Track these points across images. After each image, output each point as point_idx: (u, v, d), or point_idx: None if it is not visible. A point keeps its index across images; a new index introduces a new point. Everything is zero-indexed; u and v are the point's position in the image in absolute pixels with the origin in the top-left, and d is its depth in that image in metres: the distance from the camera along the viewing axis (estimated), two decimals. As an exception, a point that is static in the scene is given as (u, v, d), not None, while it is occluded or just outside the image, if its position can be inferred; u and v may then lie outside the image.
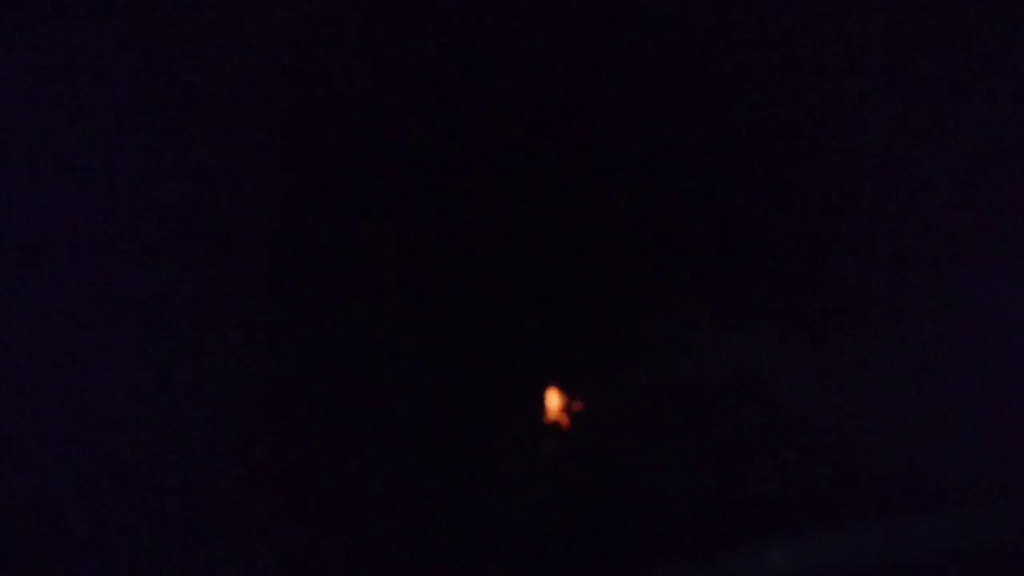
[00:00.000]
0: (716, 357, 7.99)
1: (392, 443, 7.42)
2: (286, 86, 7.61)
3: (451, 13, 7.76)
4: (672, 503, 7.46)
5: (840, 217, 8.09)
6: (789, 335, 8.03)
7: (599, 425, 7.79)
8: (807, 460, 7.66)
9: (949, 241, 8.05)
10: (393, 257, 7.72)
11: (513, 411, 7.66)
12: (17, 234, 7.28)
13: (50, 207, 7.32)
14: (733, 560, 7.26)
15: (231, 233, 7.49)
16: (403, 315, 7.69)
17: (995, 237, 8.03)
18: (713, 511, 7.42)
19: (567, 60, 7.93)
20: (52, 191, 7.33)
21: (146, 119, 7.47)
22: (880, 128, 8.10)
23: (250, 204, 7.53)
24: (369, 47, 7.70)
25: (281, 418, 7.35)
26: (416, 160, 7.78)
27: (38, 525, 6.87)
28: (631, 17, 7.95)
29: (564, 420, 7.81)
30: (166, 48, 7.49)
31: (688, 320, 7.99)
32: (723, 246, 8.05)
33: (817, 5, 8.05)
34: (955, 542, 7.33)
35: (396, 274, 7.72)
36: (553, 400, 7.81)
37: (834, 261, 8.09)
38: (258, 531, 7.03)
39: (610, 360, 7.87)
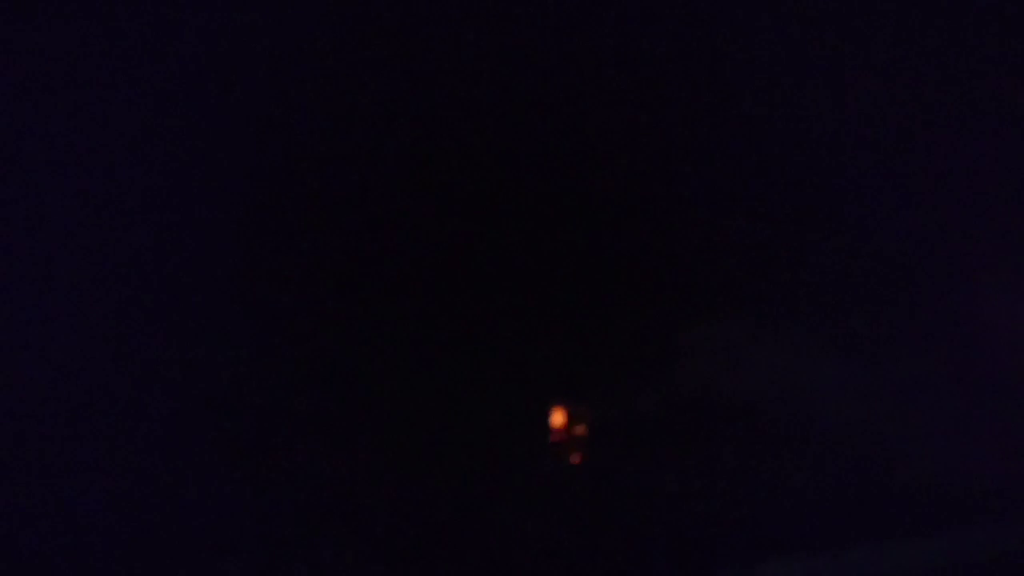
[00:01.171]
0: (720, 369, 7.98)
1: (396, 457, 7.41)
2: (282, 90, 7.62)
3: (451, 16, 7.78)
4: (670, 518, 7.45)
5: (860, 226, 8.08)
6: (796, 349, 8.01)
7: (602, 439, 7.76)
8: (808, 476, 7.64)
9: (975, 255, 8.03)
10: (401, 267, 7.71)
11: (518, 427, 7.66)
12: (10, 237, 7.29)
13: (46, 211, 7.32)
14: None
15: (231, 238, 7.48)
16: (410, 324, 7.68)
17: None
18: (711, 526, 7.41)
19: (584, 65, 7.94)
20: (48, 195, 7.33)
21: (139, 122, 7.48)
22: (911, 138, 8.11)
23: (251, 210, 7.52)
24: (367, 50, 7.71)
25: (286, 428, 7.34)
26: (424, 169, 7.77)
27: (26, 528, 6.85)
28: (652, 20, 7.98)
29: (567, 438, 7.79)
30: (159, 52, 7.49)
31: (698, 332, 7.98)
32: (739, 256, 8.04)
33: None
34: (957, 559, 7.32)
35: (405, 284, 7.71)
36: (558, 418, 7.78)
37: (852, 272, 8.08)
38: (256, 536, 7.02)
39: (619, 373, 7.86)
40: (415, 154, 7.73)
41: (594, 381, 7.86)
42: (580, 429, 7.77)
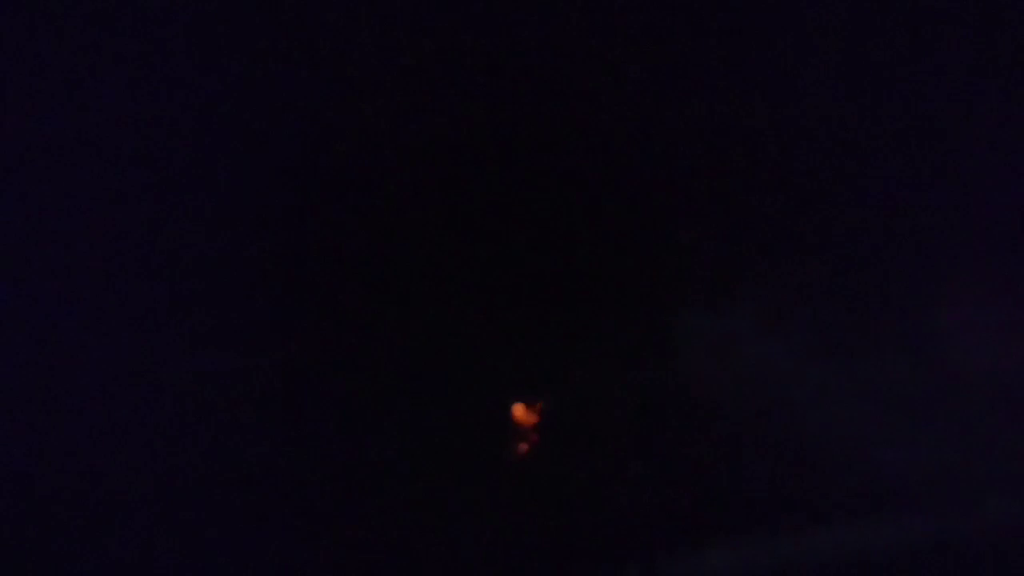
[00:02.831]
0: (682, 359, 7.96)
1: (364, 450, 7.44)
2: (280, 89, 7.60)
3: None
4: (619, 505, 7.49)
5: (845, 223, 8.03)
6: (762, 338, 7.98)
7: (561, 429, 7.74)
8: (754, 464, 7.67)
9: (969, 260, 8.00)
10: (375, 261, 7.68)
11: (486, 420, 7.64)
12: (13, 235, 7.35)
13: (48, 210, 7.36)
14: (676, 562, 7.37)
15: (207, 240, 7.49)
16: (387, 317, 7.67)
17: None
18: (660, 513, 7.47)
19: (559, 53, 7.84)
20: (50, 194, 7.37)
21: (141, 119, 7.48)
22: (913, 139, 8.02)
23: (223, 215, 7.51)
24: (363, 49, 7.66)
25: (253, 423, 7.38)
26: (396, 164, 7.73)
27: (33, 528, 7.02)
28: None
29: (530, 430, 7.80)
30: (163, 50, 7.48)
31: (673, 325, 7.96)
32: (723, 250, 7.99)
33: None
34: (901, 545, 7.43)
35: (380, 276, 7.68)
36: (520, 412, 7.77)
37: (830, 266, 8.05)
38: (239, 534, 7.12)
39: (588, 366, 7.81)
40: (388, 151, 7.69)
41: (566, 374, 7.84)
42: (537, 423, 7.78)
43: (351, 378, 7.57)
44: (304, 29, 7.61)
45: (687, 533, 7.40)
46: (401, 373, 7.60)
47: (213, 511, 7.14)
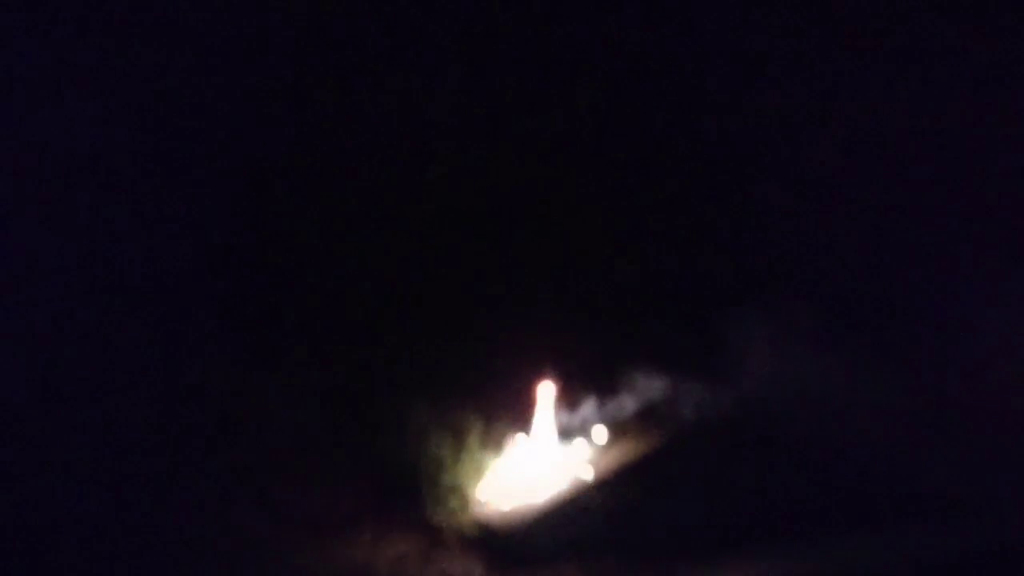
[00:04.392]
0: (712, 368, 8.08)
1: (373, 448, 7.50)
2: (274, 90, 7.63)
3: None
4: (621, 520, 7.63)
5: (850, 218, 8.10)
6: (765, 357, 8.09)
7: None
8: (783, 474, 7.79)
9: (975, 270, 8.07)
10: (386, 261, 7.74)
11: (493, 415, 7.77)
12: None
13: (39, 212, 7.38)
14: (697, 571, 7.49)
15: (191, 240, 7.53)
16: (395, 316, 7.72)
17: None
18: (663, 528, 7.62)
19: (578, 58, 7.93)
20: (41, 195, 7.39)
21: (133, 119, 7.52)
22: (937, 154, 8.10)
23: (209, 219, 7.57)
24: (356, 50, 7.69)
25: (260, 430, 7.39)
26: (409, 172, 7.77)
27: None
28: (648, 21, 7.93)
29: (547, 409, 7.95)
30: (154, 53, 7.53)
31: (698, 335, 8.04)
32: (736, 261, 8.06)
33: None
34: (911, 559, 7.58)
35: (388, 275, 7.74)
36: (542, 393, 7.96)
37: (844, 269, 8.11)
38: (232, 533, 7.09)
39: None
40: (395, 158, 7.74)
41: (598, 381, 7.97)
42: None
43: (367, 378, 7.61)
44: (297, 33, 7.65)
45: (711, 542, 7.52)
46: (439, 381, 7.69)
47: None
